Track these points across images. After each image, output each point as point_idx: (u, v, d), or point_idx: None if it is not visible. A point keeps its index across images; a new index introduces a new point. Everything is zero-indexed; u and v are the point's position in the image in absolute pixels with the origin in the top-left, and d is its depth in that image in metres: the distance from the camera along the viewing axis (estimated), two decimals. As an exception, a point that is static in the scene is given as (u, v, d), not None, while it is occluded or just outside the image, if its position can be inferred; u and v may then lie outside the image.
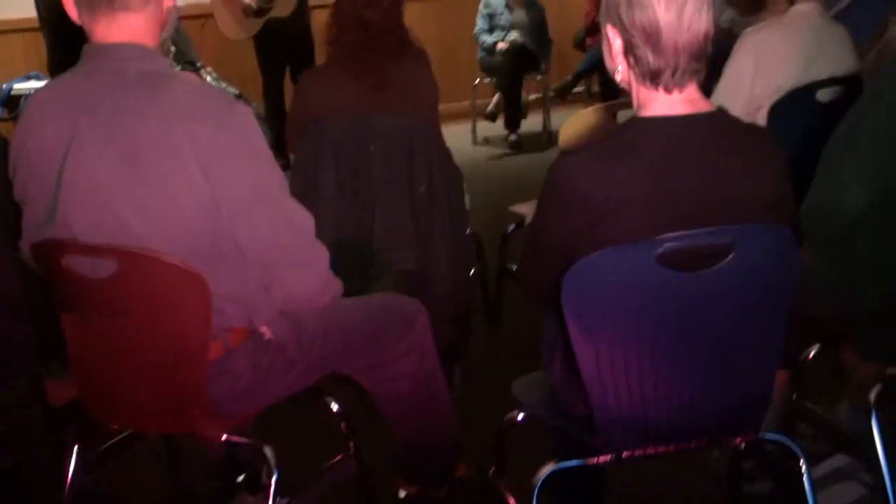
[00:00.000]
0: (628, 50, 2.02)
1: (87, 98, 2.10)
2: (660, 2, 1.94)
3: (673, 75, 1.99)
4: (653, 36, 1.96)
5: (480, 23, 8.19)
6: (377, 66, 3.65)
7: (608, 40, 2.06)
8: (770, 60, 3.55)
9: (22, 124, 2.21)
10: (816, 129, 3.65)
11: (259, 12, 6.82)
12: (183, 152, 2.04)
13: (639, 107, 2.07)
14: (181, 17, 6.73)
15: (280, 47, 6.95)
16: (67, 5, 2.17)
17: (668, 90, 2.01)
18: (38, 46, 7.31)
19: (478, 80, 8.28)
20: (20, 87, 6.44)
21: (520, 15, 8.14)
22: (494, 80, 8.04)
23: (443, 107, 4.02)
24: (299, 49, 6.89)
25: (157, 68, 2.14)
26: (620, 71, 2.07)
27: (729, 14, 6.78)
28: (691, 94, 2.03)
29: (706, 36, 1.99)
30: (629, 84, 2.08)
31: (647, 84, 2.02)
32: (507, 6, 8.16)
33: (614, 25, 2.02)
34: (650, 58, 1.98)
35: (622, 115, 2.42)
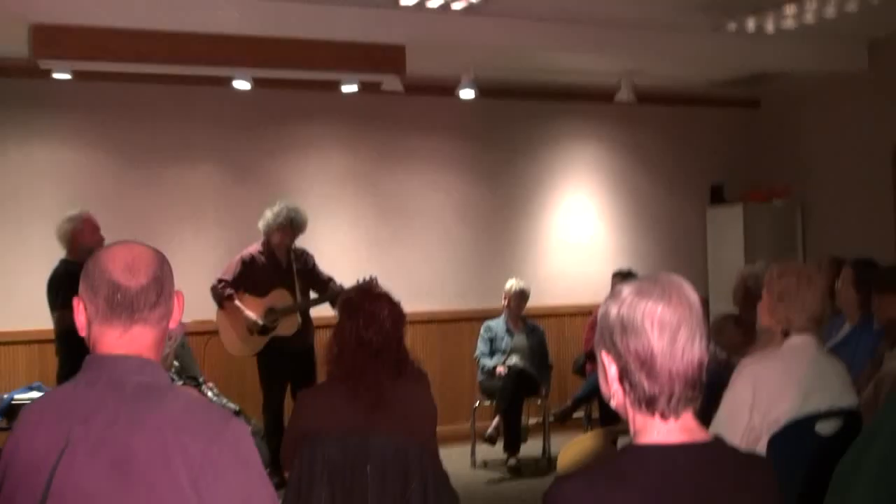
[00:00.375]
0: (623, 376, 2.03)
1: (83, 407, 2.11)
2: (653, 329, 1.97)
3: (668, 402, 1.99)
4: (647, 363, 1.98)
5: (481, 346, 8.32)
6: (375, 385, 3.67)
7: (603, 366, 2.07)
8: (768, 391, 3.57)
9: (14, 433, 2.20)
10: (817, 461, 3.61)
11: (263, 330, 6.98)
12: (174, 464, 2.02)
13: (635, 433, 2.06)
14: (186, 333, 6.88)
15: (283, 364, 7.05)
16: (77, 315, 2.21)
17: (663, 417, 2.00)
18: (42, 357, 7.44)
19: (477, 402, 8.29)
20: (21, 397, 6.44)
21: (520, 339, 8.28)
22: (494, 402, 8.05)
23: (442, 428, 4.01)
24: (301, 367, 7.01)
25: (156, 381, 2.15)
26: (616, 397, 2.08)
27: (726, 343, 6.89)
28: (688, 423, 2.02)
29: (700, 364, 2.00)
30: (625, 410, 2.08)
31: (643, 410, 2.02)
32: (508, 330, 8.32)
33: (609, 352, 2.04)
34: (645, 384, 1.99)
35: (622, 441, 2.41)
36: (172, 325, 2.26)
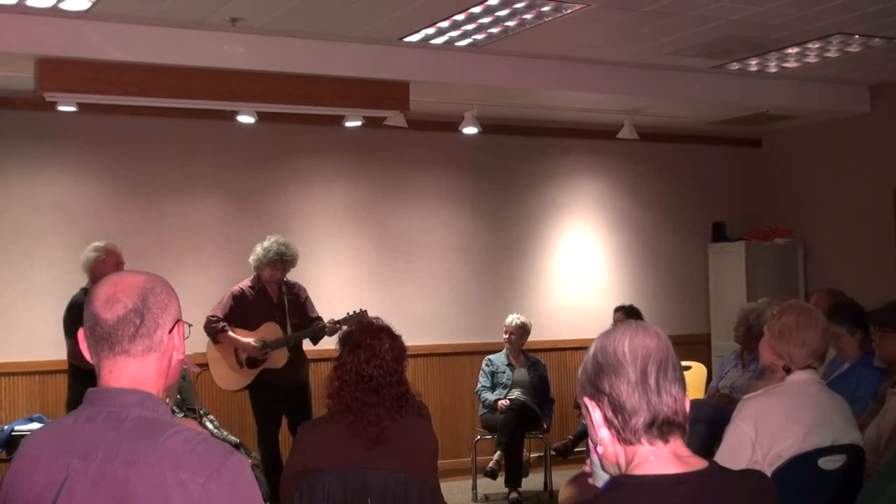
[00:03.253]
0: (606, 416, 2.05)
1: (83, 442, 2.09)
2: (626, 357, 2.02)
3: (650, 427, 2.00)
4: (624, 394, 2.01)
5: (482, 380, 8.30)
6: (376, 420, 3.66)
7: (589, 415, 2.08)
8: (770, 427, 3.56)
9: (14, 465, 2.19)
10: (821, 496, 3.61)
11: (252, 363, 6.96)
12: (173, 501, 2.00)
13: (627, 467, 2.05)
14: (199, 364, 6.89)
15: (274, 399, 7.02)
16: (82, 347, 2.21)
17: (651, 442, 2.01)
18: (43, 389, 7.43)
19: (478, 436, 8.26)
20: (21, 428, 6.45)
21: (521, 373, 8.26)
22: (495, 436, 8.02)
23: (442, 462, 4.00)
24: (296, 402, 6.99)
25: (156, 415, 2.13)
26: (603, 442, 2.07)
27: (728, 381, 6.88)
28: (679, 450, 2.02)
29: (679, 392, 2.03)
30: (614, 454, 2.07)
31: (631, 440, 2.02)
32: (510, 364, 8.30)
33: (592, 397, 2.07)
34: (626, 416, 2.01)
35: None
36: (178, 356, 2.23)
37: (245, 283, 7.11)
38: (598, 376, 2.04)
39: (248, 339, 6.92)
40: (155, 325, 2.16)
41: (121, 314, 2.13)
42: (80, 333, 2.18)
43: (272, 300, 7.08)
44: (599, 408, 2.05)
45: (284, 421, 7.12)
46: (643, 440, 2.01)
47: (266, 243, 7.05)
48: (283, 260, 7.01)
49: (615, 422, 2.03)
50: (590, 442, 2.16)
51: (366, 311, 6.59)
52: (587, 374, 2.07)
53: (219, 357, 7.01)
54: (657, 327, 2.10)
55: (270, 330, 6.98)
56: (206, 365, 6.99)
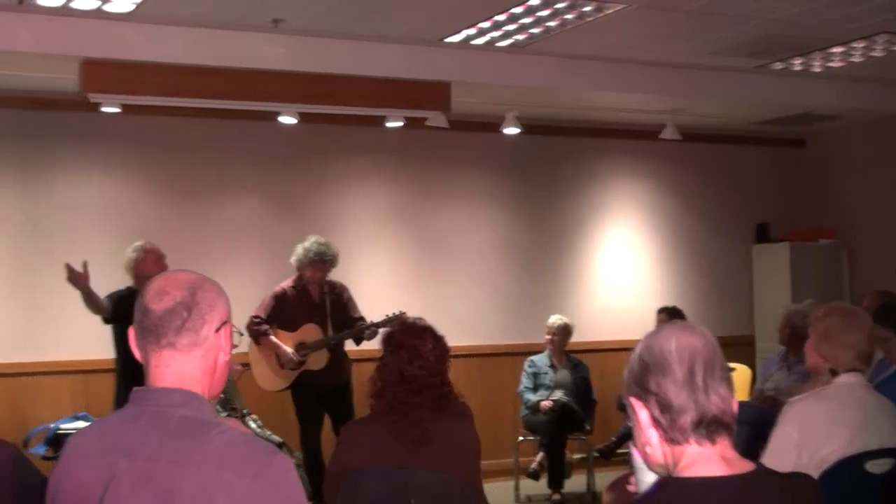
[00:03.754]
0: (654, 416, 2.03)
1: (129, 442, 2.10)
2: (672, 355, 2.00)
3: (698, 426, 1.98)
4: (671, 393, 1.99)
5: (524, 381, 8.28)
6: (418, 421, 3.66)
7: (635, 415, 2.07)
8: (815, 431, 3.52)
9: (60, 464, 2.20)
10: (867, 500, 3.57)
11: (294, 366, 6.98)
12: (217, 501, 2.00)
13: (674, 468, 2.03)
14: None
15: (315, 400, 7.04)
16: (132, 345, 2.22)
17: (699, 442, 1.99)
18: (87, 388, 7.51)
19: (520, 437, 8.25)
20: (66, 426, 6.50)
21: (564, 375, 8.24)
22: (537, 438, 8.00)
23: (484, 463, 3.99)
24: (338, 403, 6.99)
25: (201, 416, 2.13)
26: (651, 442, 2.05)
27: (773, 383, 6.82)
28: (725, 452, 2.00)
29: (726, 392, 2.01)
30: (661, 455, 2.05)
31: (679, 439, 2.00)
32: (552, 366, 8.28)
33: (638, 397, 2.05)
34: (674, 416, 1.99)
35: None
36: (225, 357, 2.24)
37: (287, 283, 7.14)
38: (644, 376, 2.03)
39: (287, 344, 6.95)
40: (202, 321, 2.17)
41: (169, 306, 2.14)
42: (130, 330, 2.20)
43: (314, 300, 7.10)
44: (646, 408, 2.03)
45: (328, 421, 7.14)
46: (691, 440, 1.99)
47: (306, 243, 7.07)
48: (322, 260, 7.03)
49: (662, 421, 2.01)
50: (632, 446, 2.14)
51: (405, 312, 6.59)
52: (633, 375, 2.06)
53: (260, 358, 7.04)
54: (703, 327, 2.08)
55: (310, 331, 7.00)
56: (249, 364, 7.03)
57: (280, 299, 7.07)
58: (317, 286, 7.12)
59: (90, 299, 6.30)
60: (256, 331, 6.97)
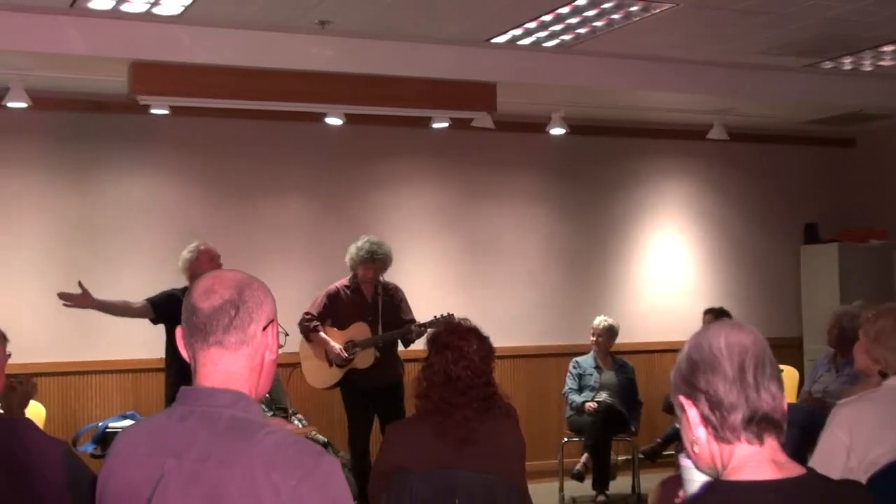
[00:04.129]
0: (703, 414, 2.01)
1: (177, 441, 2.11)
2: (722, 352, 1.98)
3: (749, 423, 1.96)
4: (724, 387, 1.97)
5: (569, 382, 8.26)
6: (463, 421, 3.66)
7: (684, 413, 2.05)
8: (864, 434, 3.48)
9: (108, 462, 2.22)
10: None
11: (343, 362, 7.01)
12: (264, 502, 2.02)
13: (724, 471, 2.02)
14: (286, 365, 6.95)
15: (363, 399, 7.05)
16: (179, 344, 2.23)
17: (749, 441, 1.97)
18: (136, 386, 7.59)
19: (565, 438, 8.22)
20: (115, 425, 6.58)
21: (609, 376, 8.21)
22: (582, 439, 7.98)
23: (529, 464, 3.98)
24: (388, 402, 6.99)
25: (249, 416, 2.13)
26: (699, 441, 2.03)
27: (821, 385, 6.76)
28: (776, 455, 1.98)
29: (777, 390, 1.99)
30: (709, 455, 2.03)
31: (728, 438, 1.98)
32: (597, 367, 8.25)
33: (687, 396, 2.03)
34: (724, 411, 1.97)
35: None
36: (271, 356, 2.25)
37: (341, 283, 7.18)
38: (693, 374, 2.01)
39: (336, 341, 6.98)
40: (249, 319, 2.17)
41: (217, 304, 2.15)
42: (178, 330, 2.22)
43: (366, 300, 7.13)
44: (695, 406, 2.02)
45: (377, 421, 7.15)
46: (742, 437, 1.97)
47: (359, 242, 7.11)
48: (373, 259, 7.05)
49: (712, 419, 1.99)
50: (680, 456, 2.13)
51: (452, 314, 6.58)
52: (681, 373, 2.04)
53: (311, 355, 7.09)
54: (752, 326, 2.07)
55: (359, 330, 7.03)
56: (297, 364, 7.08)
57: (333, 298, 7.12)
58: (370, 286, 7.14)
59: (107, 310, 6.38)
60: (307, 327, 7.03)
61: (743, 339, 2.01)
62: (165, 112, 7.31)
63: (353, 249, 7.10)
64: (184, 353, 2.23)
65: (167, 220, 7.89)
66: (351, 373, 7.03)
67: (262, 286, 2.24)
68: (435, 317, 6.87)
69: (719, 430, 1.98)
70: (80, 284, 6.12)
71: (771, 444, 1.98)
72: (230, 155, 8.14)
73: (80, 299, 6.12)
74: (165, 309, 6.29)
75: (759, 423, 1.96)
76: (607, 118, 9.02)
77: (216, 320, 2.15)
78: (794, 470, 1.98)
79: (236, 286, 2.19)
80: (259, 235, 8.16)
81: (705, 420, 2.00)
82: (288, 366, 7.26)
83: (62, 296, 6.06)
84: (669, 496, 2.34)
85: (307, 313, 7.09)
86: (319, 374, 7.10)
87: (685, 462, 2.11)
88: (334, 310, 7.09)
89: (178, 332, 2.22)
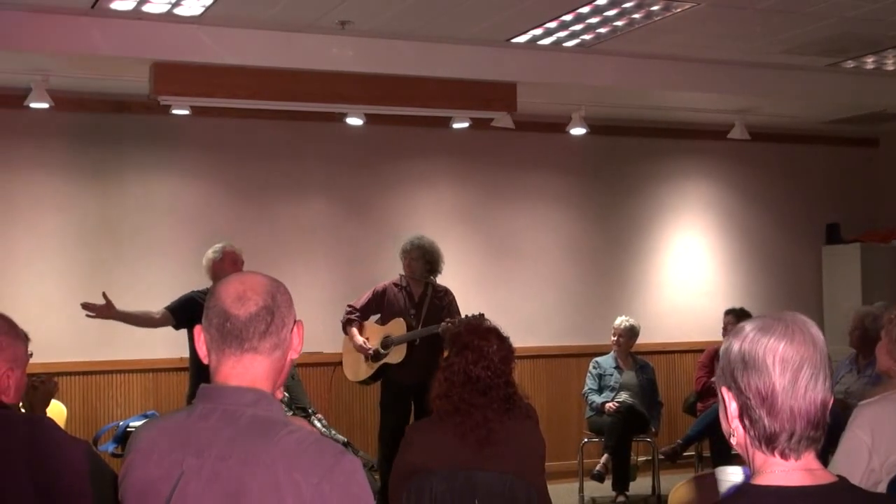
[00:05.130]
0: (743, 413, 1.99)
1: (198, 439, 2.12)
2: (775, 365, 1.93)
3: (789, 441, 1.93)
4: (768, 400, 1.93)
5: (589, 382, 8.24)
6: (483, 422, 3.66)
7: (724, 403, 2.03)
8: (887, 434, 3.46)
9: (128, 459, 2.23)
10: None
11: (376, 356, 7.06)
12: (286, 501, 2.02)
13: (754, 472, 2.01)
14: (307, 365, 7.00)
15: (400, 395, 7.06)
16: (198, 344, 2.23)
17: (784, 456, 1.95)
18: (157, 386, 7.62)
19: (585, 439, 8.21)
20: (136, 425, 6.59)
21: (629, 376, 8.19)
22: (602, 440, 7.97)
23: (549, 465, 3.98)
24: (421, 401, 6.95)
25: (271, 415, 2.14)
26: (736, 434, 2.03)
27: (843, 386, 6.73)
28: (809, 464, 1.96)
29: (823, 404, 1.94)
30: (745, 448, 2.03)
31: (763, 449, 1.97)
32: (617, 367, 8.23)
33: (729, 388, 2.00)
34: (765, 421, 1.93)
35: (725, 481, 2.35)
36: (294, 355, 2.25)
37: (392, 280, 7.26)
38: (741, 374, 1.96)
39: (374, 336, 7.04)
40: (282, 324, 2.20)
41: (253, 311, 2.16)
42: (197, 330, 2.22)
43: (413, 298, 7.17)
44: (737, 401, 2.00)
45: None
46: (776, 453, 1.96)
47: (410, 236, 7.21)
48: (406, 251, 7.11)
49: (752, 430, 1.97)
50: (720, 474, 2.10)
51: (483, 314, 6.55)
52: (730, 367, 1.99)
53: (350, 349, 7.17)
54: (816, 328, 2.01)
55: (397, 326, 7.07)
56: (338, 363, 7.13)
57: (379, 294, 7.21)
58: (420, 286, 7.17)
59: (129, 321, 6.43)
60: (345, 320, 7.11)
61: (803, 351, 1.95)
62: (186, 112, 7.34)
63: (403, 242, 7.22)
64: (202, 354, 2.24)
65: (188, 221, 7.92)
66: (386, 369, 7.06)
67: (286, 289, 2.26)
68: (466, 316, 6.83)
69: (756, 440, 1.97)
70: (105, 295, 6.14)
71: (807, 456, 1.96)
72: (251, 156, 8.16)
73: (102, 310, 6.15)
74: (186, 313, 6.32)
75: (799, 442, 1.94)
76: (628, 118, 9.00)
77: (252, 327, 2.16)
78: (825, 477, 1.96)
79: (268, 291, 2.20)
80: (280, 236, 8.18)
81: (744, 419, 1.98)
82: (316, 366, 7.31)
83: (85, 306, 6.08)
84: (708, 497, 2.33)
85: (350, 306, 7.19)
86: (353, 368, 7.19)
87: (726, 476, 2.09)
88: (380, 306, 7.17)
89: (198, 331, 2.22)
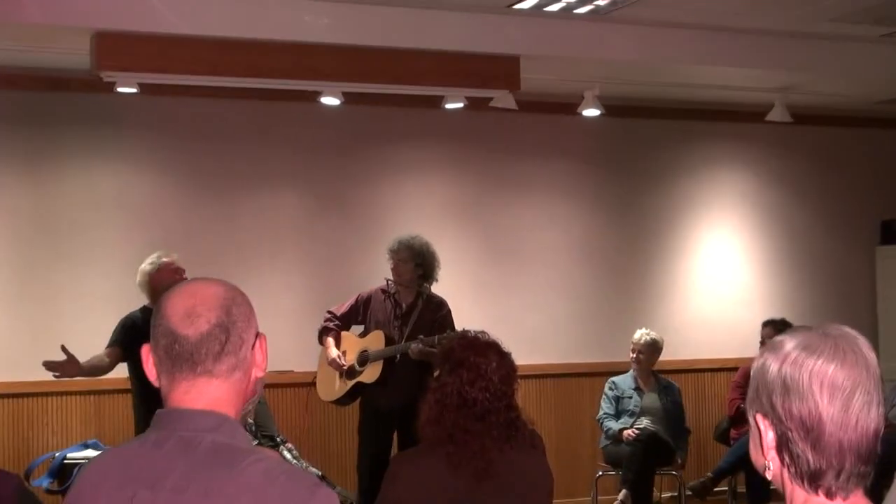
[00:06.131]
0: (782, 445, 1.97)
1: (151, 470, 2.11)
2: (822, 391, 1.91)
3: (836, 478, 1.91)
4: (813, 431, 1.91)
5: (605, 406, 8.24)
6: (481, 452, 3.65)
7: (757, 431, 2.02)
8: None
9: (72, 495, 2.22)
10: None
11: (350, 373, 7.04)
12: (252, 540, 2.03)
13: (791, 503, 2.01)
14: (276, 386, 7.00)
15: (379, 420, 7.05)
16: (147, 366, 2.22)
17: (829, 495, 1.94)
18: (99, 411, 7.61)
19: (600, 471, 8.23)
20: (74, 455, 6.59)
21: (651, 399, 8.19)
22: (620, 472, 7.98)
23: (558, 502, 3.99)
24: (407, 427, 6.93)
25: (233, 442, 2.13)
26: (772, 467, 2.02)
27: (899, 409, 6.75)
28: (858, 501, 1.97)
29: (875, 435, 1.93)
30: (782, 482, 2.02)
31: (805, 486, 1.96)
32: (637, 388, 8.23)
33: (765, 415, 1.98)
34: (809, 456, 1.92)
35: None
36: (259, 373, 2.25)
37: (379, 286, 7.25)
38: (781, 399, 1.94)
39: (353, 350, 7.02)
40: (241, 342, 2.19)
41: (204, 330, 2.15)
42: (146, 351, 2.21)
43: (400, 308, 7.14)
44: (774, 431, 2.01)
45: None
46: (821, 492, 1.94)
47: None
48: (390, 251, 7.09)
49: (792, 465, 1.97)
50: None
51: (467, 331, 6.50)
52: (767, 390, 1.98)
53: (323, 361, 7.15)
54: (868, 346, 2.00)
55: (375, 339, 7.04)
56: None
57: (364, 300, 7.22)
58: (411, 294, 7.15)
59: (93, 373, 6.47)
60: (322, 328, 7.14)
61: (855, 375, 1.94)
62: (134, 91, 7.31)
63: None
64: (151, 377, 2.23)
65: (137, 217, 7.89)
66: (361, 390, 7.03)
67: (244, 298, 2.25)
68: (448, 331, 6.77)
69: (797, 478, 1.96)
70: (64, 349, 6.13)
71: (856, 495, 1.95)
72: (210, 141, 8.14)
73: (67, 368, 6.16)
74: (130, 342, 6.34)
75: (848, 479, 1.93)
76: (649, 98, 9.01)
77: (205, 348, 2.15)
78: None
79: (222, 305, 2.19)
80: (243, 235, 8.16)
81: (783, 452, 1.98)
82: (285, 387, 7.30)
83: (48, 365, 6.10)
84: None
85: (329, 312, 7.18)
86: (328, 385, 7.15)
87: None
88: (364, 314, 7.17)
89: (146, 351, 2.22)
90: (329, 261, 7.85)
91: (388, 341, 7.00)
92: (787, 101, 8.70)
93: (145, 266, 6.59)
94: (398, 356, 6.97)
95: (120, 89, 7.26)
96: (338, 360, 7.02)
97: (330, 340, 7.11)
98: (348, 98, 7.71)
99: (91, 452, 6.63)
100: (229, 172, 8.17)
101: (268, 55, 6.84)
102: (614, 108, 8.67)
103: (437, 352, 4.07)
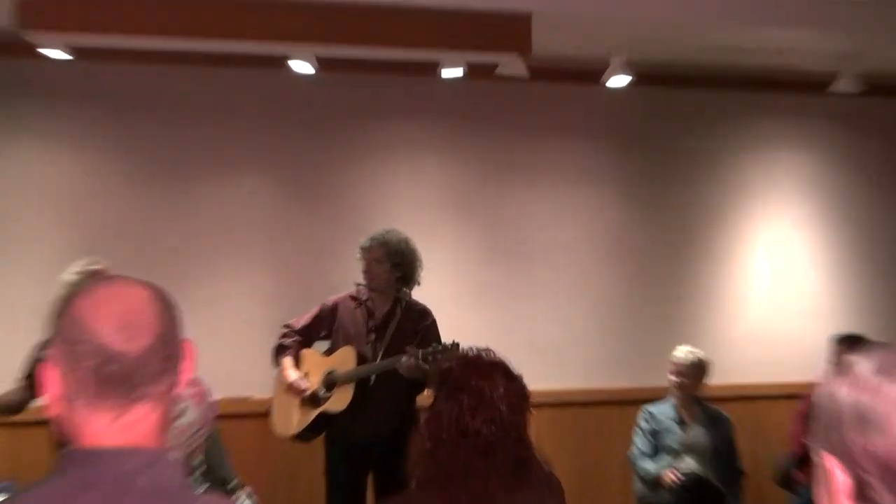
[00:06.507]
0: (860, 492, 1.91)
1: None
2: None
3: None
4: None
5: (639, 442, 8.20)
6: (485, 495, 3.63)
7: (827, 475, 1.98)
8: None
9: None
10: None
11: (313, 400, 6.98)
12: None
13: None
14: (232, 417, 6.97)
15: (350, 457, 7.03)
16: (48, 386, 2.17)
17: None
18: (15, 445, 7.63)
19: (633, 521, 8.22)
20: (-15, 500, 6.57)
21: (697, 434, 8.14)
22: (657, 524, 7.97)
23: (581, 559, 3.96)
24: (384, 464, 6.92)
25: (171, 485, 2.16)
26: None
27: None
28: None
29: None
30: None
31: None
32: (680, 420, 8.19)
33: (836, 454, 1.94)
34: None
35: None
36: (180, 387, 2.22)
37: (348, 293, 7.23)
38: (856, 437, 1.89)
39: (316, 373, 6.98)
40: (179, 354, 2.21)
41: (147, 344, 2.14)
42: (47, 370, 2.16)
43: (372, 317, 7.09)
44: (848, 473, 1.95)
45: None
46: None
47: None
48: (362, 249, 7.04)
49: None
50: None
51: (458, 343, 6.49)
52: (837, 423, 1.93)
53: (280, 391, 7.09)
54: None
55: (345, 357, 6.99)
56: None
57: (327, 311, 7.18)
58: (387, 301, 7.12)
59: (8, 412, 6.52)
60: (276, 346, 7.10)
61: None
62: (66, 56, 7.31)
63: None
64: (52, 401, 2.18)
65: (70, 209, 7.96)
66: (327, 421, 6.98)
67: (171, 297, 2.25)
68: (436, 345, 6.74)
69: None
70: None
71: None
72: (157, 116, 8.17)
73: None
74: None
75: None
76: (687, 64, 9.00)
77: (145, 367, 2.14)
78: None
79: (159, 311, 2.19)
80: (198, 229, 8.19)
81: (860, 501, 1.93)
82: (243, 417, 7.28)
83: None
84: None
85: (285, 326, 7.12)
86: (285, 416, 7.10)
87: None
88: (329, 327, 7.14)
89: (48, 372, 2.17)
90: (300, 261, 7.83)
91: (361, 359, 6.97)
92: (857, 69, 8.69)
93: (69, 276, 6.49)
94: (373, 378, 6.92)
95: (47, 53, 7.24)
96: (298, 383, 6.94)
97: (288, 360, 7.03)
98: (323, 64, 7.72)
99: (1, 497, 6.60)
100: (180, 154, 8.21)
101: (226, 13, 6.84)
102: (646, 77, 8.69)
103: (432, 371, 4.03)
